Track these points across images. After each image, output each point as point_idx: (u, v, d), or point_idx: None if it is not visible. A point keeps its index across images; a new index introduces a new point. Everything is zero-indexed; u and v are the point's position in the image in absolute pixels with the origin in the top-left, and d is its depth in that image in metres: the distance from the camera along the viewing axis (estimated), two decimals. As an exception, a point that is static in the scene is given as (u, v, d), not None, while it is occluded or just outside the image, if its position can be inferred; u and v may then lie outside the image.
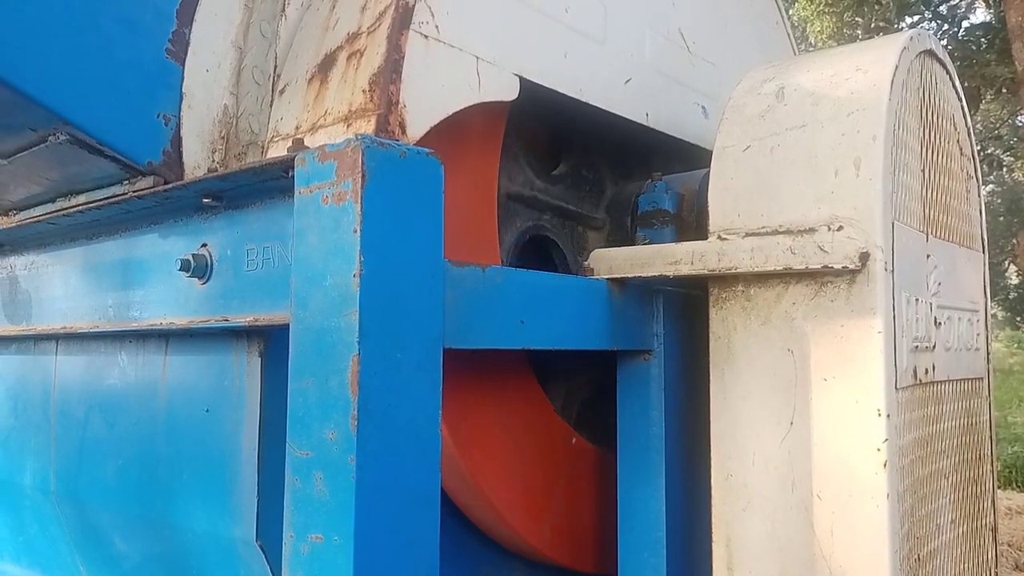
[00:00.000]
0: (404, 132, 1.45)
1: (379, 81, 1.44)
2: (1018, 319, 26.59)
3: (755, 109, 1.68)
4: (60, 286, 2.11)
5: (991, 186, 24.14)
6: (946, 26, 11.74)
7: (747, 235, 1.61)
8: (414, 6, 1.49)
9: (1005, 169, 17.61)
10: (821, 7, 17.28)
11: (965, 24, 11.81)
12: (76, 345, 2.08)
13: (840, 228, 1.49)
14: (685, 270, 1.67)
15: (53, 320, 2.12)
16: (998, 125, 17.82)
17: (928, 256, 1.68)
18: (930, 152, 1.74)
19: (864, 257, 1.45)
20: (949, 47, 10.83)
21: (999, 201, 23.39)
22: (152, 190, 1.64)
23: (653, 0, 2.17)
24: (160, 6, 1.73)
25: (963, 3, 12.80)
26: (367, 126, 1.44)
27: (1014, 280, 23.44)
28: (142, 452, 1.82)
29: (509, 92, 1.69)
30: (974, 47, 10.45)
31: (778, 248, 1.54)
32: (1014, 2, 8.59)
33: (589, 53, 1.92)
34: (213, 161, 1.75)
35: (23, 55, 1.52)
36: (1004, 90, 10.63)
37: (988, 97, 11.08)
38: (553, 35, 1.82)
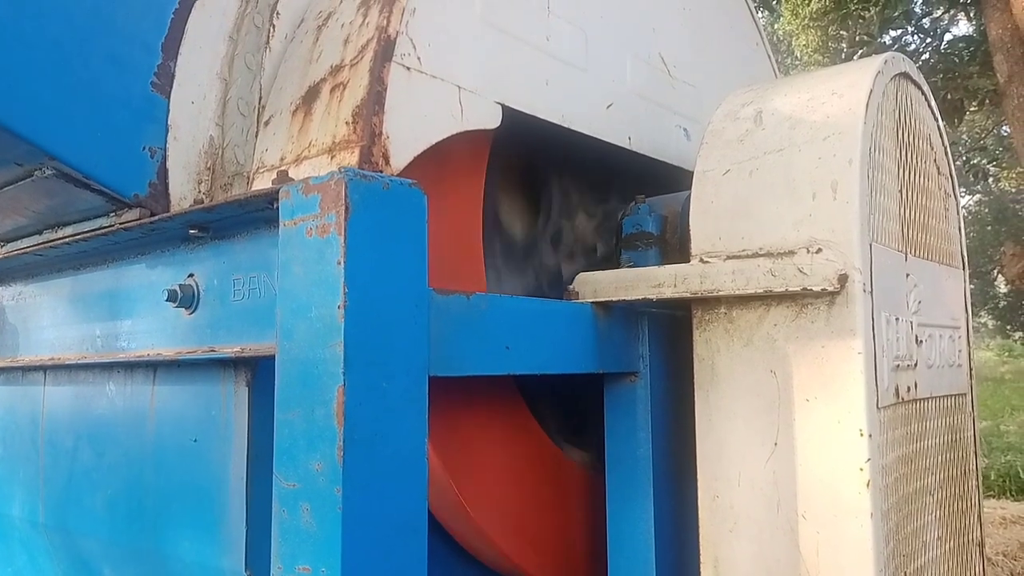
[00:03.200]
0: (388, 163, 1.47)
1: (362, 113, 1.46)
2: (1008, 327, 26.74)
3: (734, 133, 1.71)
4: (48, 317, 2.12)
5: (978, 196, 24.38)
6: (929, 39, 11.89)
7: (728, 258, 1.63)
8: (396, 39, 1.51)
9: (991, 179, 17.78)
10: (806, 21, 17.48)
11: (947, 37, 11.97)
12: (64, 375, 2.08)
13: (819, 250, 1.51)
14: (668, 293, 1.69)
15: (41, 351, 2.13)
16: (983, 136, 18.01)
17: (908, 275, 1.70)
18: (907, 172, 1.76)
19: (843, 279, 1.47)
20: (932, 60, 10.95)
21: (986, 211, 23.60)
22: (139, 222, 1.65)
23: (633, 26, 2.21)
24: (146, 40, 1.75)
25: (946, 16, 12.97)
26: (351, 157, 1.45)
27: (1003, 289, 23.59)
28: (131, 482, 1.82)
29: (492, 120, 1.71)
30: (957, 59, 10.56)
31: (759, 271, 1.56)
32: (994, 15, 8.71)
33: (571, 80, 1.95)
34: (199, 192, 1.77)
35: (10, 92, 1.54)
36: (987, 102, 10.75)
37: (972, 108, 11.19)
38: (535, 63, 1.85)
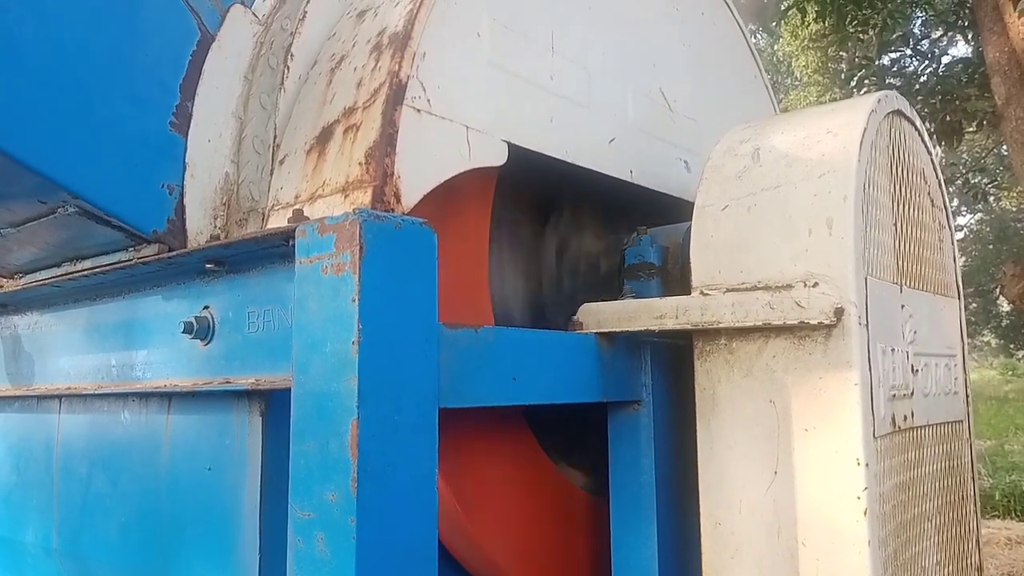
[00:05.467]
0: (399, 201, 1.53)
1: (375, 154, 1.52)
2: (1011, 346, 26.70)
3: (732, 169, 1.76)
4: (63, 346, 2.17)
5: (979, 215, 24.46)
6: (927, 62, 12.01)
7: (728, 290, 1.68)
8: (407, 83, 1.57)
9: (992, 198, 17.87)
10: (805, 43, 17.69)
11: (945, 59, 12.08)
12: (79, 404, 2.13)
13: (815, 284, 1.56)
14: (670, 324, 1.74)
15: (56, 379, 2.17)
16: (983, 155, 18.11)
17: (903, 306, 1.75)
18: (902, 207, 1.82)
19: (839, 312, 1.52)
20: (930, 82, 11.05)
21: (988, 230, 23.68)
22: (157, 257, 1.71)
23: (634, 63, 2.27)
24: (164, 81, 1.82)
25: (945, 37, 13.10)
26: (364, 197, 1.51)
27: (1006, 308, 23.59)
28: (144, 510, 1.86)
29: (498, 157, 1.77)
30: (955, 81, 10.67)
31: (757, 303, 1.61)
32: (991, 38, 8.81)
33: (574, 117, 2.01)
34: (215, 227, 1.83)
35: (35, 132, 1.60)
36: (985, 123, 10.84)
37: (970, 130, 11.28)
38: (539, 102, 1.91)
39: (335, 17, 1.97)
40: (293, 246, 1.41)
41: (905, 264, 1.80)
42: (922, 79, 11.41)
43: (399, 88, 1.56)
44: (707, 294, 1.71)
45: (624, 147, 2.17)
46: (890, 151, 1.79)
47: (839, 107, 1.78)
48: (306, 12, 1.92)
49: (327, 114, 1.69)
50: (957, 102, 10.37)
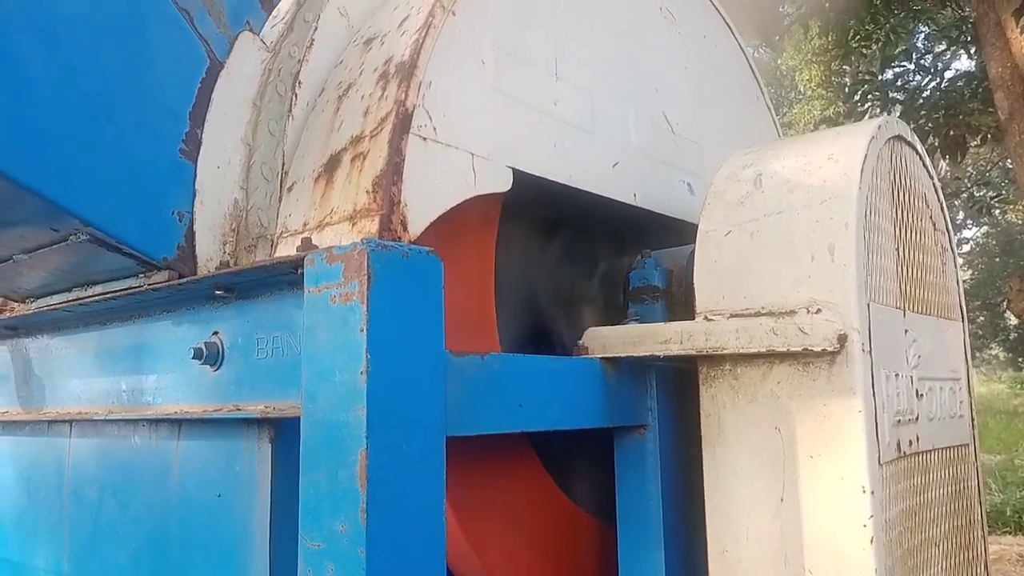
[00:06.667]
0: (406, 229, 1.55)
1: (382, 183, 1.54)
2: (1020, 360, 26.55)
3: (735, 195, 1.78)
4: (74, 370, 2.19)
5: (985, 228, 24.43)
6: (930, 76, 12.03)
7: (732, 316, 1.69)
8: (413, 111, 1.60)
9: (997, 212, 17.84)
10: (809, 57, 17.76)
11: (948, 74, 12.11)
12: (90, 428, 2.14)
13: (818, 311, 1.57)
14: (675, 349, 1.75)
15: (67, 403, 2.19)
16: (988, 169, 18.11)
17: (906, 331, 1.76)
18: (904, 231, 1.83)
19: (842, 339, 1.53)
20: (933, 97, 11.07)
21: (994, 243, 23.63)
22: (168, 283, 1.73)
23: (637, 88, 2.30)
24: (174, 108, 1.84)
25: (948, 52, 13.14)
26: (371, 225, 1.53)
27: (1014, 320, 23.48)
28: (154, 535, 1.87)
29: (503, 184, 1.79)
30: (958, 96, 10.68)
31: (761, 329, 1.62)
32: (994, 54, 8.84)
33: (578, 142, 2.03)
34: (224, 253, 1.85)
35: (48, 162, 1.63)
36: (989, 138, 10.85)
37: (974, 144, 11.29)
38: (543, 128, 1.93)
39: (342, 45, 2.00)
40: (302, 274, 1.43)
41: (908, 289, 1.80)
42: (925, 94, 11.42)
43: (406, 117, 1.59)
44: (711, 319, 1.72)
45: (628, 171, 2.19)
46: (891, 176, 1.80)
47: (840, 133, 1.80)
48: (313, 40, 1.95)
49: (335, 142, 1.71)
50: (961, 117, 10.38)
